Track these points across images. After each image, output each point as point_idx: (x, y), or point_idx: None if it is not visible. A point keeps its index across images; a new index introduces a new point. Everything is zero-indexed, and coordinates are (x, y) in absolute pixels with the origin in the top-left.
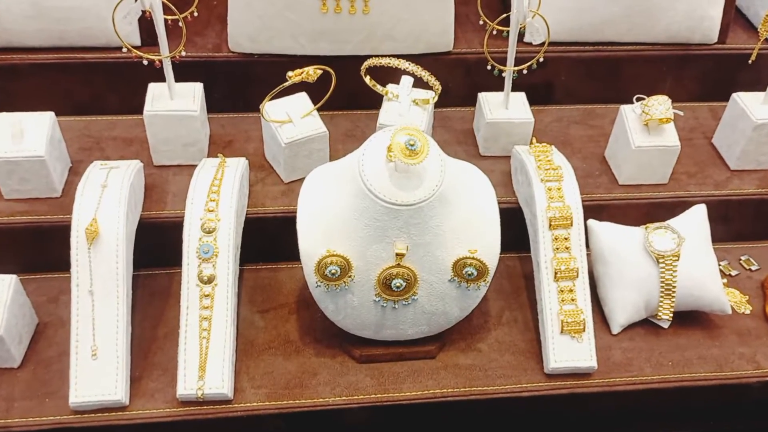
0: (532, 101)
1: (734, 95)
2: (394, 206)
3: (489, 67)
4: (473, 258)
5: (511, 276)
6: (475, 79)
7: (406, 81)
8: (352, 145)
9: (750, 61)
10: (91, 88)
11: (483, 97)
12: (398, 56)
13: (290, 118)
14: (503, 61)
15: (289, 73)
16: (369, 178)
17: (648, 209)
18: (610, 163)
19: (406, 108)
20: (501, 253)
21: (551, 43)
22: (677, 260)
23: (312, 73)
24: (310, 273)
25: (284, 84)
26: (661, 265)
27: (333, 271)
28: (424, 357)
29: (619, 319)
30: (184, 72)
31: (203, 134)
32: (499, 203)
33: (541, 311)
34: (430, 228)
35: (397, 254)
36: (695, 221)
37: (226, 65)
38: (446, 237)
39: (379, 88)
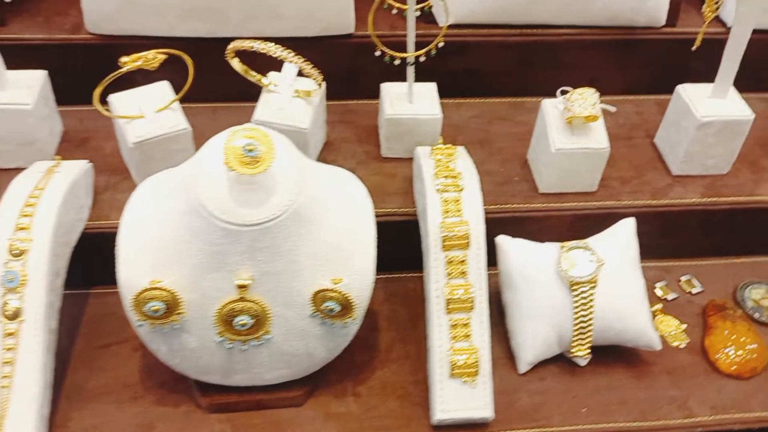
0: (451, 93)
1: (678, 87)
2: (234, 226)
3: (378, 53)
4: (334, 291)
5: (410, 301)
6: (389, 66)
7: (289, 69)
8: None
9: (693, 48)
10: None
11: (385, 88)
12: (290, 39)
13: (142, 112)
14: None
15: (123, 59)
16: (204, 191)
17: (572, 222)
18: (532, 168)
19: (288, 101)
20: (400, 273)
21: (472, 26)
22: (594, 287)
23: (152, 57)
24: (129, 309)
25: (116, 73)
26: (575, 293)
27: (155, 307)
28: (289, 405)
29: (527, 356)
30: (34, 57)
31: (44, 131)
32: (400, 214)
33: (429, 349)
34: (283, 253)
35: (238, 286)
36: (621, 239)
37: (83, 49)
38: (304, 264)
39: (253, 75)
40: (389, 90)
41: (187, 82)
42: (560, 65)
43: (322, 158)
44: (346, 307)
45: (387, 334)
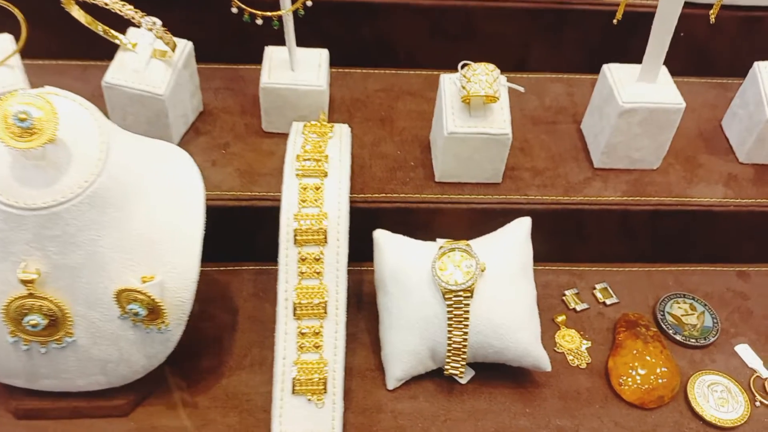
0: (361, 62)
1: (604, 67)
2: (15, 210)
3: (234, 10)
4: (139, 291)
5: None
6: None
7: (148, 24)
8: None
9: (615, 21)
10: None
11: (268, 53)
12: None
13: None
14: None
15: None
16: None
17: (471, 218)
18: (432, 153)
19: (145, 62)
20: (274, 265)
21: None
22: (470, 297)
23: None
24: None
25: None
26: (449, 302)
27: None
28: (111, 415)
29: (395, 370)
30: None
31: None
32: (270, 199)
33: (275, 360)
34: (80, 244)
35: (22, 280)
36: (511, 241)
37: None
38: (108, 258)
39: (99, 28)
40: (272, 55)
41: (21, 38)
42: (482, 37)
43: (193, 130)
44: (155, 311)
45: (245, 336)
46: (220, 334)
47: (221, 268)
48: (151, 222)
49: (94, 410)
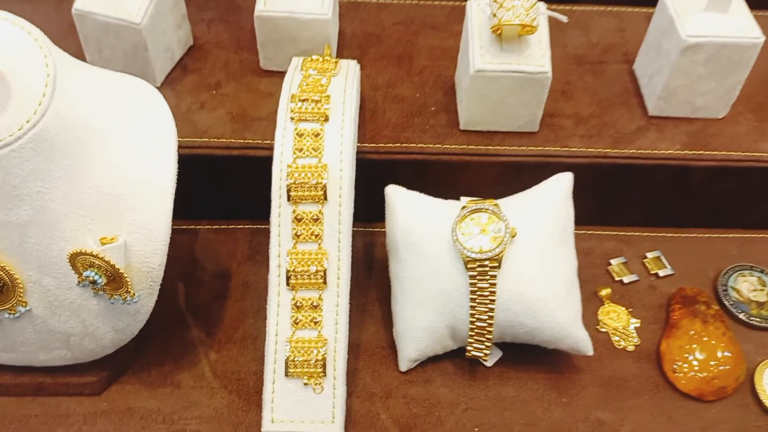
0: None
1: None
2: None
3: None
4: (95, 256)
5: None
6: None
7: None
8: None
9: None
10: None
11: None
12: None
13: None
14: None
15: None
16: None
17: (500, 173)
18: (457, 97)
19: None
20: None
21: None
22: (497, 268)
23: None
24: None
25: None
26: (472, 273)
27: None
28: (81, 392)
29: (408, 350)
30: None
31: None
32: (263, 147)
33: (267, 337)
34: (25, 197)
35: None
36: (549, 201)
37: None
38: (61, 214)
39: None
40: None
41: None
42: None
43: (180, 67)
44: (116, 279)
45: (237, 305)
46: (209, 302)
47: (213, 227)
48: (113, 173)
49: (62, 387)
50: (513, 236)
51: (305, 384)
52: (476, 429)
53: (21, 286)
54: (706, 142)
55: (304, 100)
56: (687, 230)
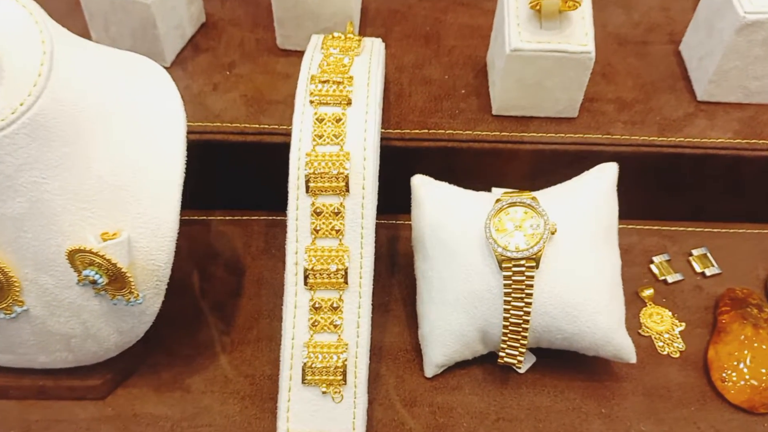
0: None
1: None
2: None
3: None
4: (95, 254)
5: None
6: None
7: None
8: None
9: None
10: None
11: None
12: None
13: None
14: None
15: None
16: None
17: (537, 162)
18: (489, 79)
19: None
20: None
21: None
22: (535, 268)
23: None
24: None
25: None
26: (507, 273)
27: None
28: (84, 396)
29: (435, 355)
30: None
31: None
32: (280, 133)
33: (283, 341)
34: (20, 188)
35: None
36: (592, 194)
37: None
38: (59, 207)
39: None
40: None
41: None
42: None
43: (191, 46)
44: (118, 278)
45: (252, 303)
46: (221, 299)
47: (226, 218)
48: (116, 162)
49: (64, 391)
50: (552, 233)
51: (324, 392)
52: None
53: (17, 284)
54: (760, 130)
55: (324, 82)
56: (736, 225)
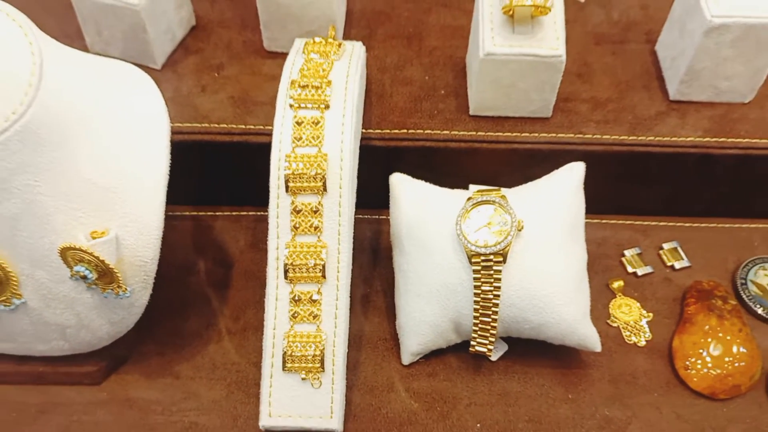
0: None
1: None
2: None
3: None
4: (84, 251)
5: None
6: None
7: None
8: None
9: None
10: None
11: None
12: None
13: None
14: None
15: None
16: None
17: (511, 160)
18: (467, 78)
19: None
20: None
21: None
22: (501, 263)
23: None
24: None
25: None
26: (475, 267)
27: None
28: (80, 382)
29: (410, 344)
30: None
31: None
32: (265, 133)
33: (265, 331)
34: (14, 190)
35: None
36: (558, 192)
37: None
38: (51, 207)
39: None
40: None
41: None
42: None
43: (182, 48)
44: (106, 274)
45: (239, 294)
46: (210, 291)
47: (216, 213)
48: (102, 165)
49: (61, 377)
50: (519, 230)
51: (303, 379)
52: (479, 425)
53: (15, 278)
54: (729, 128)
55: (304, 87)
56: (707, 220)
